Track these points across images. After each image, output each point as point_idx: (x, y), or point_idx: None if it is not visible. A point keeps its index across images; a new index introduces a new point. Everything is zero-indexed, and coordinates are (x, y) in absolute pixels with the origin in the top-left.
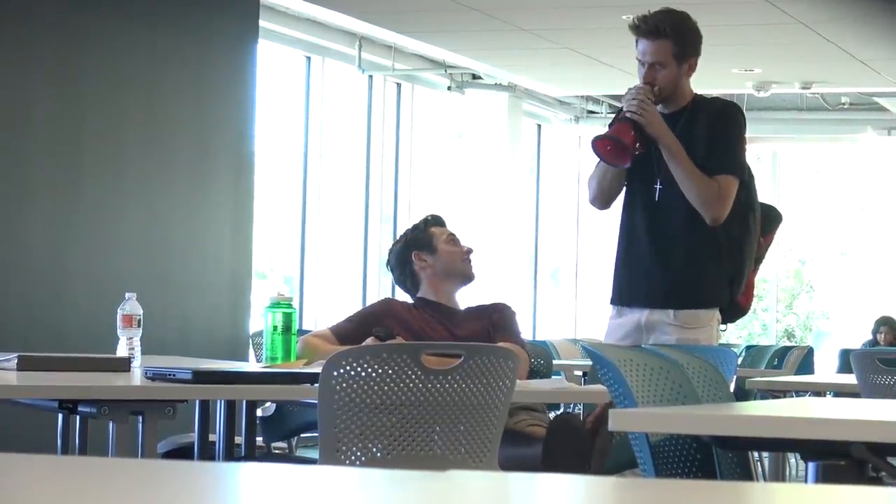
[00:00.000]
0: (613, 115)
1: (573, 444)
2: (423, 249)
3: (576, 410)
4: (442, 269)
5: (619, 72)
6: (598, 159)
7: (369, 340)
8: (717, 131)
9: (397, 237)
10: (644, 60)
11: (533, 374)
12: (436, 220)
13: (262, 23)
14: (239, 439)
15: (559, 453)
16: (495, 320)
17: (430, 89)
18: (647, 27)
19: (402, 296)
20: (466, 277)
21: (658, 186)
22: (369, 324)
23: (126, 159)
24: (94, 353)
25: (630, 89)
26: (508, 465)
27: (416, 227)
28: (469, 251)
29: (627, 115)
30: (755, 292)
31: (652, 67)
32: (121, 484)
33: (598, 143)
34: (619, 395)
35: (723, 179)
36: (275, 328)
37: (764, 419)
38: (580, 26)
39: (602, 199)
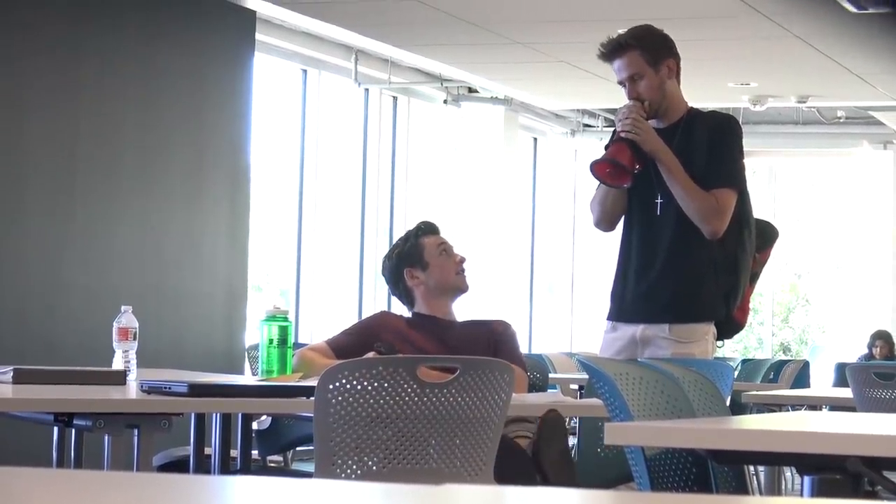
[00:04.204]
0: (611, 128)
1: (517, 469)
2: (415, 265)
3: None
4: (435, 285)
5: (616, 85)
6: (597, 182)
7: (370, 355)
8: (715, 144)
9: (390, 245)
10: (622, 78)
11: (529, 387)
12: (427, 229)
13: (258, 36)
14: (234, 452)
15: (508, 480)
16: (496, 340)
17: (426, 102)
18: (611, 46)
19: (398, 308)
20: (460, 290)
21: (659, 201)
22: (365, 337)
23: (122, 171)
24: (90, 365)
25: (621, 109)
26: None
27: (406, 237)
28: (462, 260)
29: (622, 134)
30: (750, 306)
31: (632, 81)
32: (116, 497)
33: (598, 167)
34: (615, 409)
35: (720, 193)
36: (271, 341)
37: (760, 433)
38: (576, 40)
39: (606, 222)
